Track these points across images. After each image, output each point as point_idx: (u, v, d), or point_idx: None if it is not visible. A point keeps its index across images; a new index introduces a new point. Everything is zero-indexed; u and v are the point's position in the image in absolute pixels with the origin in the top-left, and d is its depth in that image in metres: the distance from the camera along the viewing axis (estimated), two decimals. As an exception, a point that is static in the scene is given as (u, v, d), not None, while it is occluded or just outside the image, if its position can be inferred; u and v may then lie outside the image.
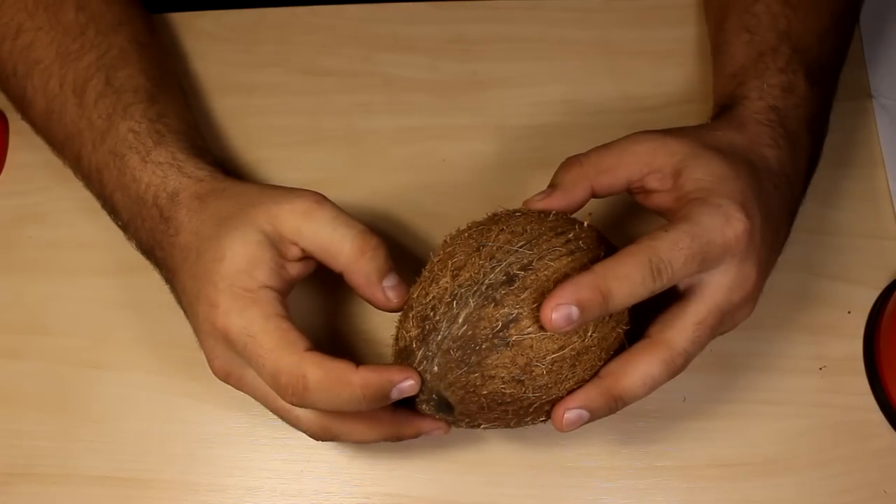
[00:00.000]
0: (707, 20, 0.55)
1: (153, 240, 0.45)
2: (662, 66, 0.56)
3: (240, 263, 0.40)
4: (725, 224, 0.39)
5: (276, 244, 0.41)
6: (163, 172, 0.46)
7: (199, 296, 0.41)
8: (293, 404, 0.39)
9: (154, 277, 0.46)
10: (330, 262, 0.42)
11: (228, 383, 0.43)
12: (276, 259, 0.41)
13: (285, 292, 0.42)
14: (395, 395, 0.38)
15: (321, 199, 0.42)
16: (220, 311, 0.40)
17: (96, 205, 0.53)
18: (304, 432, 0.43)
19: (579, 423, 0.39)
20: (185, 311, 0.44)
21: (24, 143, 0.55)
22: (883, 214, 0.51)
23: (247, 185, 0.45)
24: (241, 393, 0.48)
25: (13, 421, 0.49)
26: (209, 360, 0.42)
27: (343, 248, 0.41)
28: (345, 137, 0.55)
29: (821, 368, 0.48)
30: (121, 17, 0.52)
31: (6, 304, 0.52)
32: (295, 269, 0.42)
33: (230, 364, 0.42)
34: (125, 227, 0.48)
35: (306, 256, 0.42)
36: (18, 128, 0.55)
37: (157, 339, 0.50)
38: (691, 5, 0.57)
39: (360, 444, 0.47)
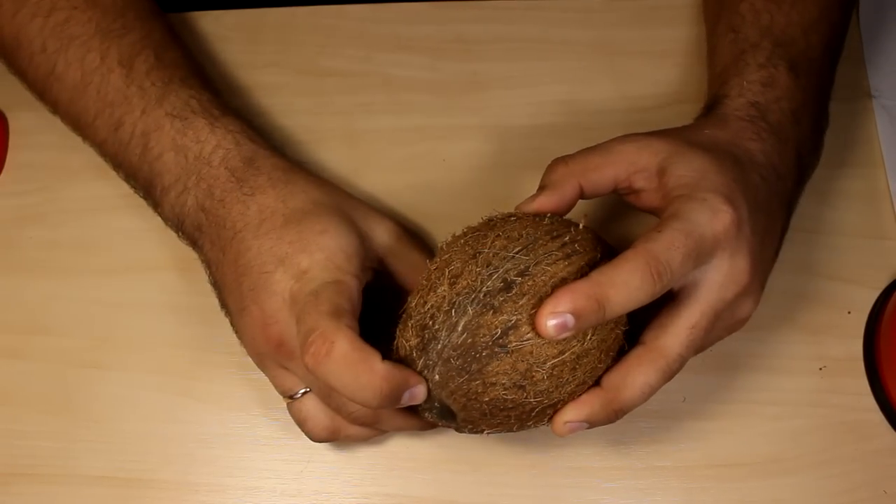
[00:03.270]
0: (705, 24, 0.55)
1: (209, 196, 0.45)
2: (662, 66, 0.56)
3: (342, 243, 0.42)
4: (713, 217, 0.39)
5: (366, 249, 0.43)
6: (234, 138, 0.46)
7: (283, 259, 0.41)
8: (308, 367, 0.38)
9: (154, 278, 0.47)
10: (413, 282, 0.43)
11: (267, 333, 0.42)
12: (366, 259, 0.43)
13: (362, 291, 0.42)
14: (406, 399, 0.38)
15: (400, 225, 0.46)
16: (307, 276, 0.41)
17: (97, 205, 0.53)
18: (309, 431, 0.43)
19: (579, 430, 0.39)
20: (235, 266, 0.43)
21: (24, 143, 0.55)
22: (883, 214, 0.51)
23: (327, 181, 0.47)
24: (241, 392, 0.49)
25: (14, 421, 0.49)
26: (266, 325, 0.41)
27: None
28: (345, 137, 0.55)
29: (821, 369, 0.48)
30: (155, 8, 0.53)
31: (7, 304, 0.52)
32: (367, 276, 0.43)
33: (283, 325, 0.41)
34: (166, 189, 0.47)
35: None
36: (18, 128, 0.56)
37: (157, 339, 0.50)
38: (690, 5, 0.57)
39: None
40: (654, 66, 0.56)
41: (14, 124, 0.56)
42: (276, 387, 0.44)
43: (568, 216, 0.42)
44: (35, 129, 0.55)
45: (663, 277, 0.37)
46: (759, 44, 0.47)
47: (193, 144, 0.46)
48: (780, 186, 0.44)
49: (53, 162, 0.54)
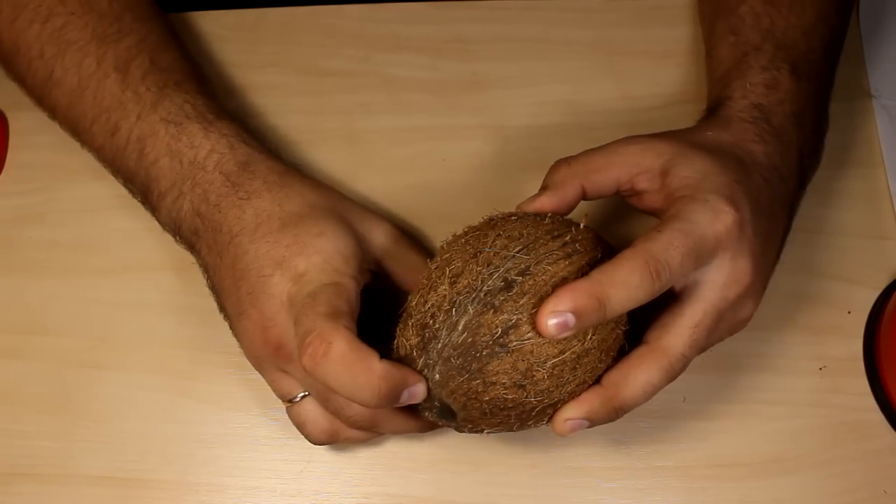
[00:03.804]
0: (701, 26, 0.55)
1: (205, 201, 0.45)
2: (662, 66, 0.56)
3: (339, 245, 0.42)
4: (715, 218, 0.39)
5: (363, 251, 0.43)
6: (228, 143, 0.46)
7: (281, 262, 0.41)
8: (305, 369, 0.37)
9: (153, 278, 0.46)
10: (411, 284, 0.45)
11: (266, 336, 0.42)
12: (364, 261, 0.43)
13: (360, 294, 0.42)
14: (405, 397, 0.38)
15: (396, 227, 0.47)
16: (305, 278, 0.41)
17: (96, 205, 0.53)
18: (308, 434, 0.43)
19: (579, 429, 0.39)
20: (233, 270, 0.43)
21: (24, 143, 0.55)
22: (883, 214, 0.51)
23: (322, 184, 0.47)
24: (241, 392, 0.49)
25: (14, 421, 0.49)
26: (265, 329, 0.41)
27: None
28: (345, 137, 0.55)
29: (821, 369, 0.48)
30: (154, 9, 0.53)
31: (6, 304, 0.52)
32: (365, 278, 0.43)
33: (282, 328, 0.41)
34: (162, 194, 0.47)
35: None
36: (18, 128, 0.56)
37: (157, 339, 0.50)
38: (691, 5, 0.57)
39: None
40: (655, 66, 0.56)
41: (14, 124, 0.56)
42: (275, 391, 0.44)
43: (569, 216, 0.42)
44: (35, 129, 0.55)
45: (662, 276, 0.37)
46: (761, 46, 0.47)
47: (188, 150, 0.46)
48: (782, 188, 0.44)
49: (53, 162, 0.54)
